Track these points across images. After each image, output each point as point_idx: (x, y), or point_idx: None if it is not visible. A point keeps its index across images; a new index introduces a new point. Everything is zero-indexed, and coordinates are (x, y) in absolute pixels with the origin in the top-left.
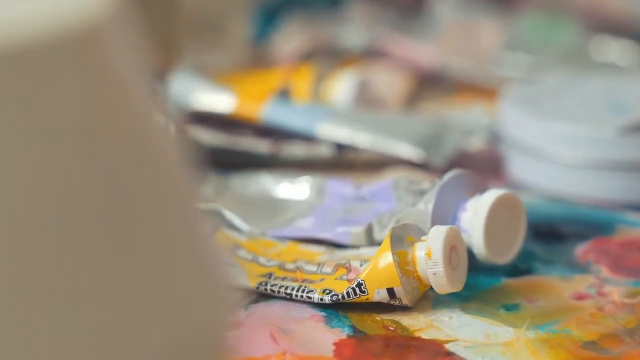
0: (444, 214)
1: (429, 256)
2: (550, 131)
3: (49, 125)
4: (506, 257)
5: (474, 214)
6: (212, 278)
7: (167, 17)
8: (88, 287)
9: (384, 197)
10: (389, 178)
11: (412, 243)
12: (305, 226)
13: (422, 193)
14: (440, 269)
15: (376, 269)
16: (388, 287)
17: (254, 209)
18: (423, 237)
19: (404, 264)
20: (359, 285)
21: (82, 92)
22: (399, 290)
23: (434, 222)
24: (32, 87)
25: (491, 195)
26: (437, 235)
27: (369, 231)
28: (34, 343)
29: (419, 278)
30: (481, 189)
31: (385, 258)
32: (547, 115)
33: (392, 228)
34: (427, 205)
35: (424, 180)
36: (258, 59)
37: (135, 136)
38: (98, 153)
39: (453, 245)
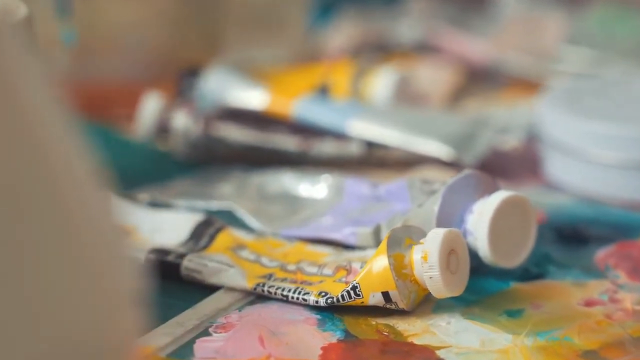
0: (451, 216)
1: (425, 259)
2: (587, 130)
3: None
4: (514, 261)
5: (479, 216)
6: (107, 281)
7: (212, 11)
8: None
9: (399, 197)
10: (404, 178)
11: (410, 246)
12: (322, 225)
13: (433, 193)
14: (436, 273)
15: (371, 272)
16: (383, 290)
17: (272, 207)
18: (421, 240)
19: (400, 267)
20: (354, 288)
21: None
22: (394, 294)
23: (440, 224)
24: None
25: (498, 196)
26: (434, 238)
27: (377, 232)
28: None
29: (416, 282)
30: (491, 191)
31: (381, 261)
32: (585, 113)
33: (391, 230)
34: (433, 207)
35: (436, 181)
36: (310, 54)
37: (23, 138)
38: None
39: (452, 248)
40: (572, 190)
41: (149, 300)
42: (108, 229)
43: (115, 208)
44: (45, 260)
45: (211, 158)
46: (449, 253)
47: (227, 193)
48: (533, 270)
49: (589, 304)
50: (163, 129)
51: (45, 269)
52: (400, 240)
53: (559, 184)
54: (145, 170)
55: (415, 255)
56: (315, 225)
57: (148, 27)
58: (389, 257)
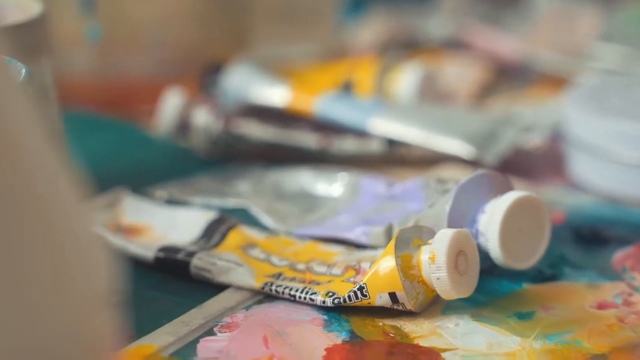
0: (463, 216)
1: (433, 260)
2: (610, 129)
3: None
4: (527, 262)
5: (491, 216)
6: (82, 284)
7: (239, 7)
8: None
9: (414, 197)
10: (420, 177)
11: (419, 246)
12: (336, 224)
13: (446, 193)
14: (443, 273)
15: (378, 272)
16: (390, 291)
17: (287, 205)
18: (430, 241)
19: (407, 268)
20: (361, 288)
21: None
22: (401, 295)
23: (451, 224)
24: None
25: (510, 197)
26: (442, 238)
27: (389, 231)
28: None
29: (424, 283)
30: (505, 190)
31: (388, 261)
32: (608, 112)
33: (400, 230)
34: (444, 206)
35: (450, 180)
36: (340, 49)
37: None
38: None
39: (461, 249)
40: (596, 190)
41: (126, 302)
42: (84, 233)
43: (91, 213)
44: (20, 262)
45: (231, 155)
46: (457, 254)
47: (244, 191)
48: (547, 272)
49: (601, 306)
50: (184, 125)
51: (20, 271)
52: (409, 241)
53: (583, 183)
54: (166, 166)
55: (423, 255)
56: (330, 224)
57: (174, 23)
58: (396, 257)
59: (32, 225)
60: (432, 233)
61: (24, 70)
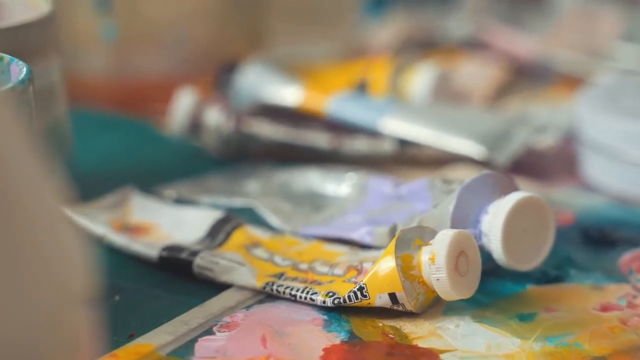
0: (466, 216)
1: (433, 261)
2: (624, 130)
3: None
4: (530, 264)
5: (494, 217)
6: (59, 281)
7: (257, 6)
8: None
9: (420, 197)
10: (426, 177)
11: (420, 246)
12: (343, 224)
13: (451, 193)
14: (443, 274)
15: (378, 272)
16: (390, 292)
17: (294, 205)
18: (430, 241)
19: (408, 269)
20: (361, 289)
21: None
22: (401, 296)
23: (455, 225)
24: None
25: (513, 197)
26: (442, 239)
27: (393, 232)
28: None
29: (424, 283)
30: (510, 191)
31: (388, 262)
32: (622, 112)
33: (401, 230)
34: (448, 207)
35: (456, 180)
36: (360, 48)
37: None
38: None
39: (462, 250)
40: (609, 191)
41: (129, 301)
42: (61, 231)
43: (68, 211)
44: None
45: (243, 154)
46: (458, 255)
47: (252, 190)
48: (552, 273)
49: (605, 308)
50: (196, 124)
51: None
52: (410, 241)
53: (596, 184)
54: (177, 165)
55: (424, 256)
56: (336, 224)
57: (190, 22)
58: (396, 258)
59: (13, 227)
60: (434, 233)
61: (25, 69)
